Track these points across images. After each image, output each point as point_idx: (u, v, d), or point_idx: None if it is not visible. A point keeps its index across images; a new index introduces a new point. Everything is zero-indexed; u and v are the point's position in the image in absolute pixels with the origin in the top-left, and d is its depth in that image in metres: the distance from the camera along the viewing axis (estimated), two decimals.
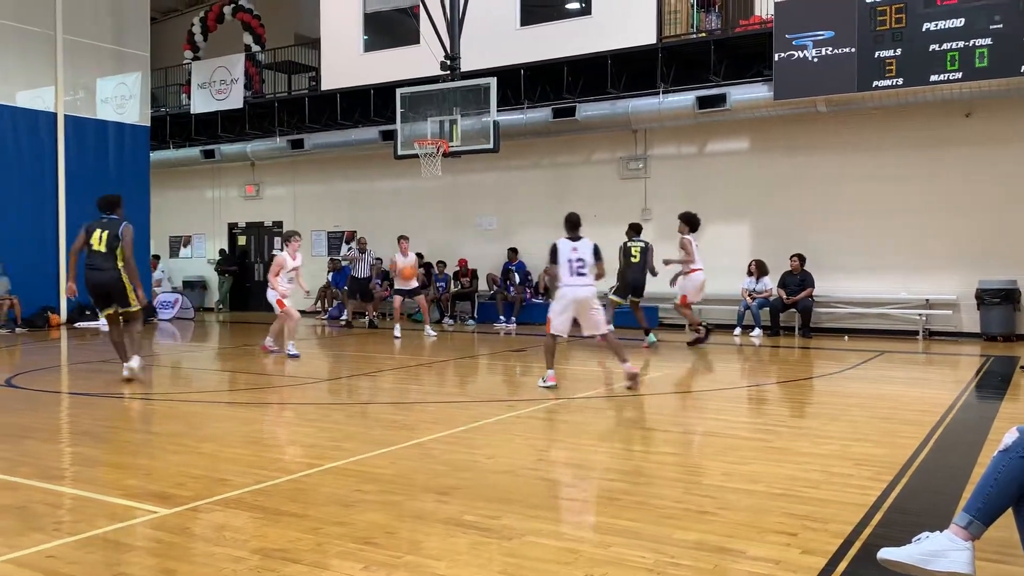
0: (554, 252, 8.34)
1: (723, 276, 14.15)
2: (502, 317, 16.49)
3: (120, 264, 8.68)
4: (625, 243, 12.70)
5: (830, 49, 13.18)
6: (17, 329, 15.35)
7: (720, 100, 14.45)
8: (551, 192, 17.24)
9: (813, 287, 14.02)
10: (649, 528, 3.98)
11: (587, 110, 15.78)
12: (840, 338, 13.64)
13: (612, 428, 6.57)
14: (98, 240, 8.66)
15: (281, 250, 16.70)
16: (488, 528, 3.90)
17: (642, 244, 12.58)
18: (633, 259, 12.38)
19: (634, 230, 12.77)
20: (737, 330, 14.26)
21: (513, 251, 17.14)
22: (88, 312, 16.92)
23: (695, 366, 10.49)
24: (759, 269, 14.50)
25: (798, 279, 14.12)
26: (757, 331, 14.06)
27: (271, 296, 11.41)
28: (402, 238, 14.63)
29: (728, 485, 4.68)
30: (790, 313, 14.22)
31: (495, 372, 10.47)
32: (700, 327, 12.43)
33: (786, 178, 14.94)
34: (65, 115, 17.13)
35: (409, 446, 5.71)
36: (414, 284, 14.71)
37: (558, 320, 8.34)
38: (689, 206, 13.32)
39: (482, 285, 17.73)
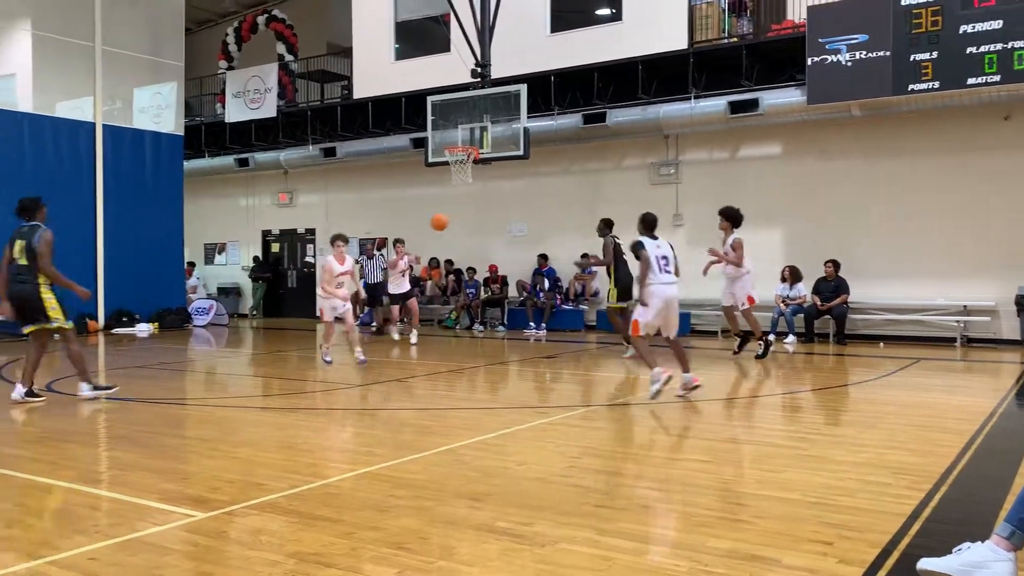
0: (642, 247, 7.93)
1: (756, 282, 14.01)
2: (532, 323, 16.48)
3: (40, 278, 7.93)
4: (618, 242, 11.85)
5: (864, 53, 13.04)
6: (56, 336, 15.60)
7: (752, 105, 14.35)
8: (581, 198, 17.23)
9: (848, 293, 13.85)
10: (683, 536, 3.96)
11: (618, 116, 15.75)
12: (875, 345, 13.46)
13: (644, 435, 6.54)
14: (19, 251, 8.00)
15: (314, 256, 16.68)
16: (520, 535, 3.90)
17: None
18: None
19: (607, 225, 12.05)
20: (771, 337, 14.10)
21: (543, 257, 17.14)
22: (125, 319, 17.21)
23: (729, 374, 10.39)
24: (792, 275, 14.35)
25: (832, 285, 13.96)
26: (791, 338, 13.91)
27: (319, 303, 11.17)
28: (398, 242, 14.82)
29: (762, 493, 4.63)
30: (824, 320, 14.06)
31: (526, 378, 10.47)
32: (763, 336, 11.49)
33: (820, 183, 14.79)
34: (103, 125, 17.44)
35: (441, 452, 5.73)
36: (406, 287, 14.62)
37: (650, 319, 7.81)
38: None
39: (512, 291, 17.74)
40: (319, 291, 11.13)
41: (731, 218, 11.32)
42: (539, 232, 17.79)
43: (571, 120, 16.23)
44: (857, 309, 14.15)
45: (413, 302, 14.89)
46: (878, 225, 14.24)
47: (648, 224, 8.26)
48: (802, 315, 14.07)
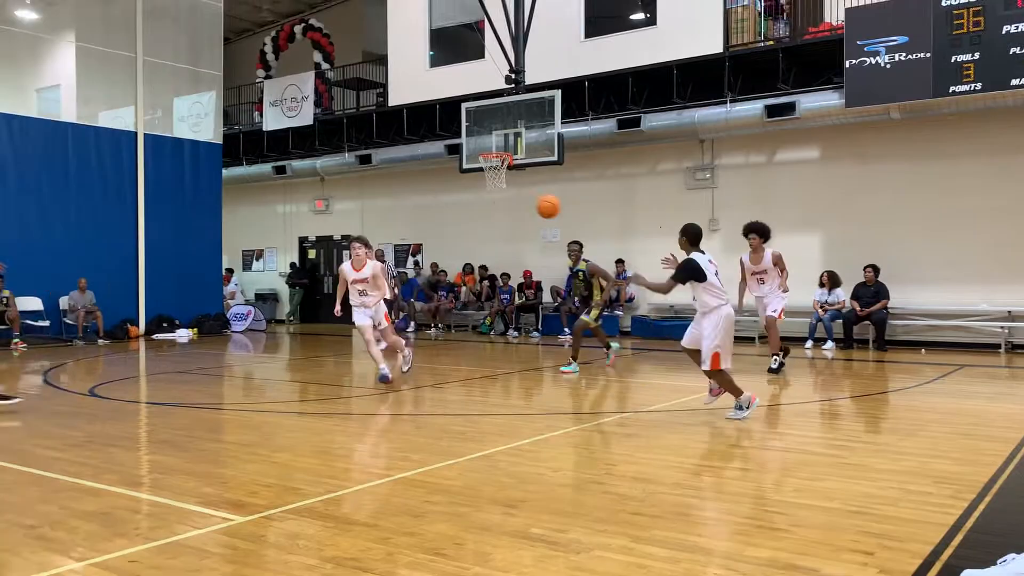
0: (697, 270, 6.92)
1: (794, 288, 13.74)
2: (567, 329, 16.40)
3: None
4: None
5: (904, 55, 12.86)
6: (100, 341, 15.94)
7: (789, 108, 14.22)
8: (616, 203, 17.19)
9: (888, 299, 13.64)
10: (719, 544, 3.93)
11: (652, 120, 15.69)
12: (917, 351, 13.23)
13: (681, 442, 6.48)
14: None
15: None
16: (555, 542, 3.90)
17: None
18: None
19: (581, 248, 11.52)
20: (809, 343, 13.96)
21: None
22: (165, 324, 17.50)
23: (766, 381, 10.27)
24: (831, 280, 14.17)
25: (872, 290, 13.75)
26: (830, 344, 13.74)
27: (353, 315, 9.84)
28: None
29: (801, 501, 4.57)
30: (864, 325, 13.85)
31: (560, 384, 10.44)
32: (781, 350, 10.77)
33: (858, 187, 14.60)
34: (144, 134, 17.78)
35: (476, 458, 5.74)
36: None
37: (728, 345, 7.02)
38: (758, 216, 13.01)
39: (547, 297, 17.73)
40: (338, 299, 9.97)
41: (762, 233, 10.41)
42: (573, 237, 17.72)
43: (605, 125, 16.21)
44: (897, 315, 13.93)
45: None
46: (919, 229, 14.01)
47: (694, 237, 7.16)
48: (841, 321, 13.89)
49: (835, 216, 14.81)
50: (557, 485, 5.03)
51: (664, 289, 7.13)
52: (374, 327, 9.77)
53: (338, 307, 9.93)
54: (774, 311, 10.45)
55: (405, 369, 10.04)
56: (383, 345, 10.17)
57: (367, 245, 9.69)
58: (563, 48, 16.32)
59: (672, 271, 7.10)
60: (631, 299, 16.82)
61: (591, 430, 6.90)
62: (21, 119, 16.25)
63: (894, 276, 13.82)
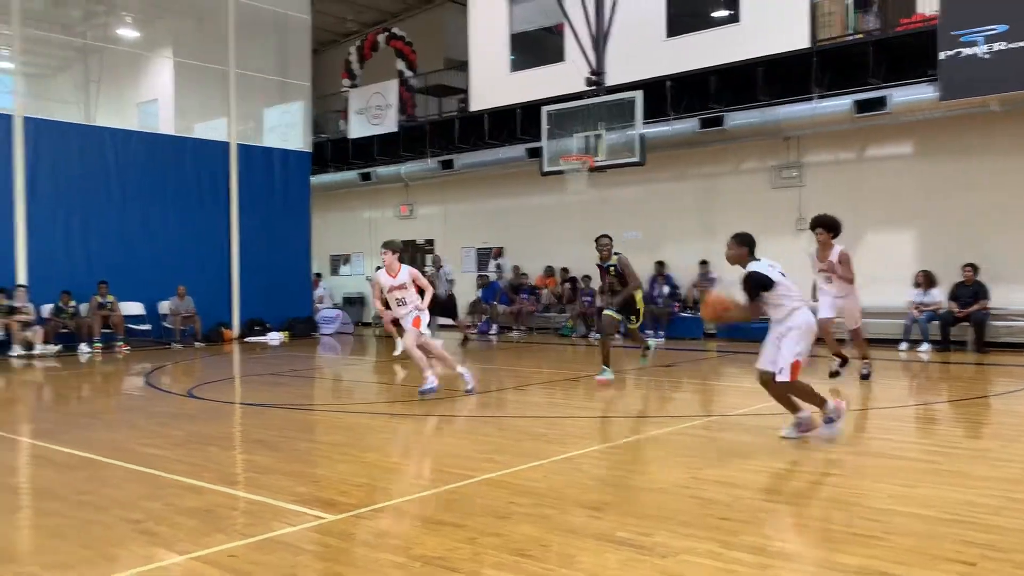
0: (763, 280, 6.08)
1: (887, 288, 13.40)
2: (649, 331, 16.28)
3: None
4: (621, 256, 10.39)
5: (1004, 44, 12.29)
6: (197, 344, 16.59)
7: (880, 103, 13.77)
8: (698, 204, 16.94)
9: (988, 299, 13.05)
10: (809, 551, 3.85)
11: (736, 119, 15.42)
12: (1020, 354, 12.62)
13: (769, 447, 6.36)
14: None
15: (434, 267, 16.66)
16: (641, 545, 3.88)
17: None
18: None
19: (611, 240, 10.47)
20: (903, 345, 13.47)
21: (660, 264, 16.94)
22: (257, 328, 18.09)
23: (857, 384, 9.95)
24: (927, 280, 13.65)
25: (971, 290, 13.18)
26: (925, 346, 13.23)
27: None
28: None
29: (895, 508, 4.44)
30: (962, 327, 13.28)
31: (643, 387, 10.37)
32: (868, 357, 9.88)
33: (955, 183, 14.02)
34: (237, 144, 18.42)
35: (559, 460, 5.76)
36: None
37: (807, 353, 6.24)
38: (848, 214, 12.64)
39: None
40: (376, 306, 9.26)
41: (830, 227, 9.47)
42: (656, 239, 17.58)
43: (687, 125, 16.01)
44: (998, 315, 13.31)
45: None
46: (1021, 226, 13.36)
47: (753, 245, 6.31)
48: (937, 322, 13.36)
49: (930, 213, 14.26)
50: (642, 488, 5.01)
51: (752, 315, 6.32)
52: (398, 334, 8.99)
53: (378, 304, 9.29)
54: (856, 324, 9.64)
55: (427, 387, 8.72)
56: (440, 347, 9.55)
57: (394, 250, 8.94)
58: (644, 48, 16.19)
59: (744, 295, 6.28)
60: None
61: (676, 433, 6.83)
62: (123, 132, 17.05)
63: (995, 275, 13.21)
